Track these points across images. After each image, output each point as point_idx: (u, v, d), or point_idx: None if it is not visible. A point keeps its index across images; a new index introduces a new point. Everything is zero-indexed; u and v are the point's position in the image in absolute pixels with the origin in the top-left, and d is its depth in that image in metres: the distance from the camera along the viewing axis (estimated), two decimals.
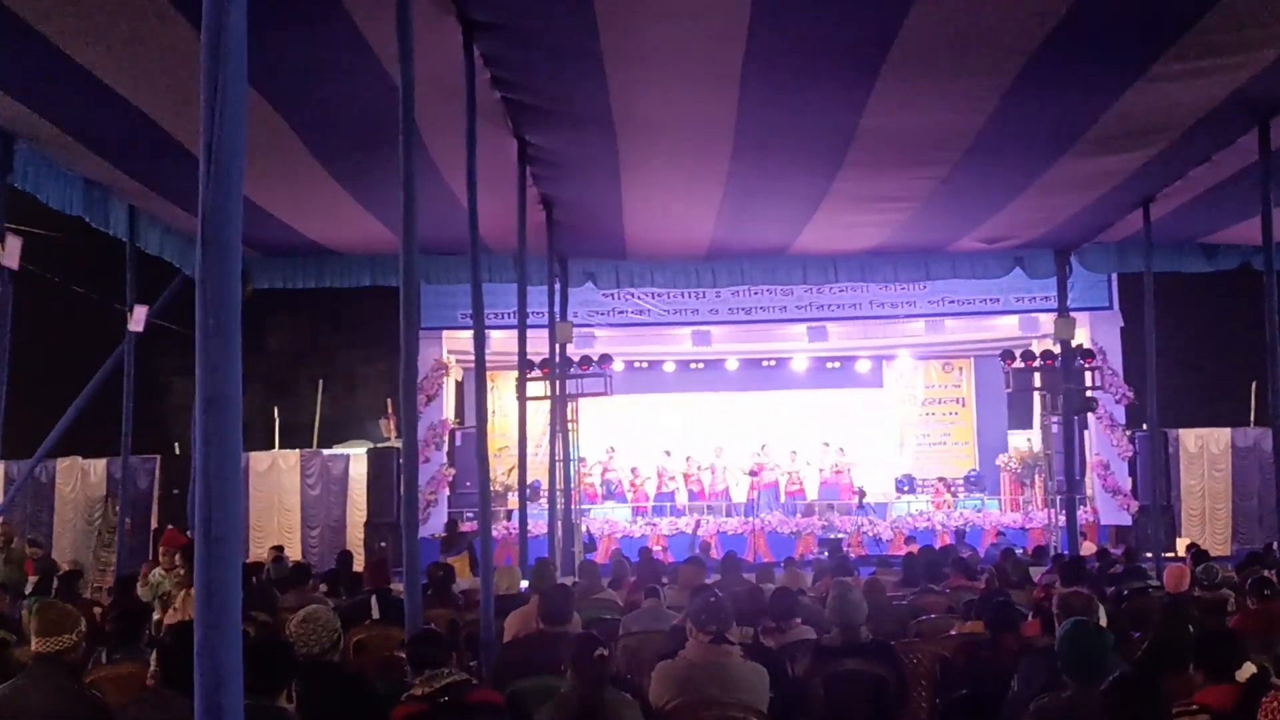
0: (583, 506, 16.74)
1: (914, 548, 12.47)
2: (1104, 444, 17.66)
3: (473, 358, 8.20)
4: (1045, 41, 7.97)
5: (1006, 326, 18.43)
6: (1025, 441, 19.87)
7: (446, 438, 18.26)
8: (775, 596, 6.80)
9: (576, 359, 14.79)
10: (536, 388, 13.64)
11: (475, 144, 7.87)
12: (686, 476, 19.57)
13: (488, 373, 8.53)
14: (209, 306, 2.64)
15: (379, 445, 18.31)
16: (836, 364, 20.98)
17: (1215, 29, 7.87)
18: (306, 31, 7.69)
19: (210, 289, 2.65)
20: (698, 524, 17.76)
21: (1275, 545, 12.39)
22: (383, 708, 4.45)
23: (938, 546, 14.11)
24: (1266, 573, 7.65)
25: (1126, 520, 17.26)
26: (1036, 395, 17.35)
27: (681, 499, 19.29)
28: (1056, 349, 15.31)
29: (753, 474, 19.26)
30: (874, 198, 12.45)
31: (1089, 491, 17.66)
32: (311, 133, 9.80)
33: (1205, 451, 18.63)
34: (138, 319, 12.28)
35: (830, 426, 20.67)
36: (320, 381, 22.17)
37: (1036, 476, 18.61)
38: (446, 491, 18.11)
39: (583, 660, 4.41)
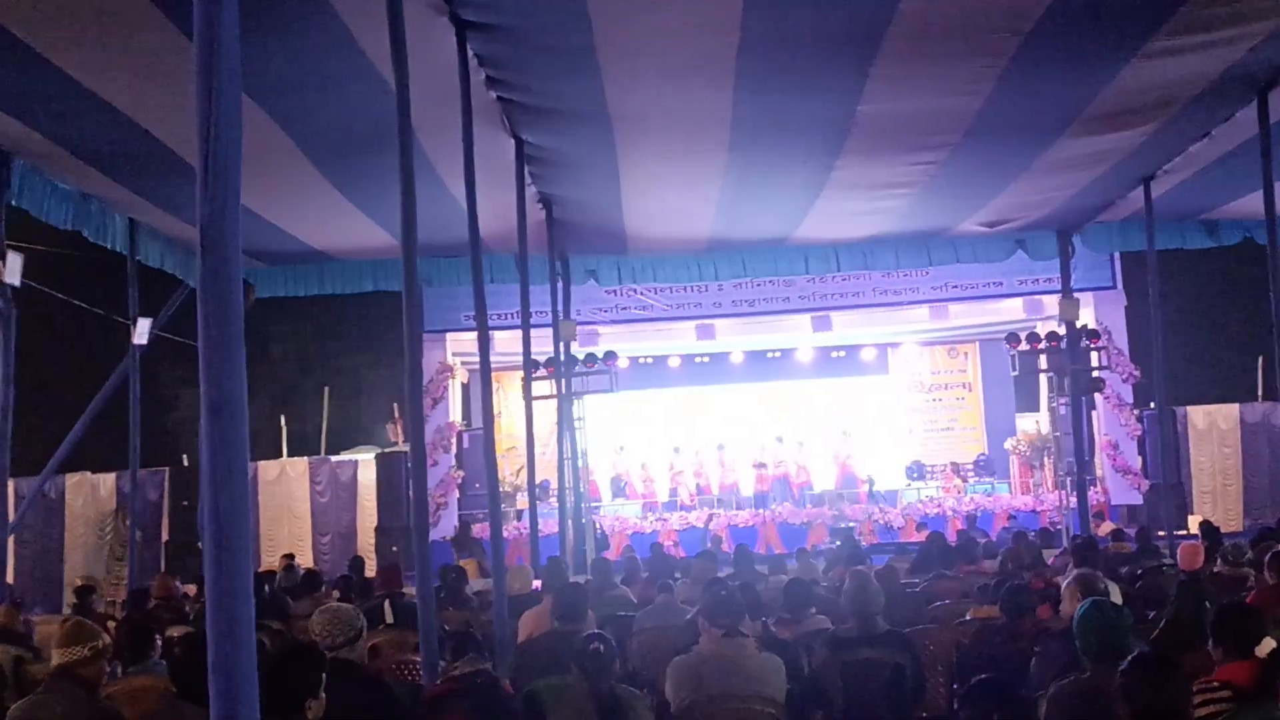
0: (591, 504, 16.73)
1: (926, 534, 12.46)
2: (1112, 424, 17.62)
3: (477, 359, 8.19)
4: (1040, 20, 7.94)
5: (1011, 309, 18.39)
6: (1033, 424, 19.84)
7: (454, 440, 18.26)
8: (790, 587, 6.79)
9: (581, 357, 14.77)
10: (542, 387, 13.62)
11: (472, 144, 7.86)
12: (696, 472, 19.60)
13: (493, 373, 8.53)
14: (210, 315, 2.63)
15: (387, 450, 18.31)
16: (841, 353, 20.96)
17: (1210, 2, 7.83)
18: (299, 37, 7.67)
19: (211, 297, 2.64)
20: (709, 518, 17.75)
21: None
22: (398, 705, 4.49)
23: (949, 532, 14.11)
24: None
25: (1138, 499, 17.22)
26: (1043, 377, 17.33)
27: (684, 493, 19.29)
28: (1061, 330, 15.26)
29: (758, 467, 19.26)
30: (874, 184, 12.42)
31: (1099, 472, 17.61)
32: (308, 139, 9.79)
33: (1214, 428, 18.58)
34: (141, 332, 12.29)
35: (837, 416, 20.67)
36: (326, 388, 22.17)
37: (1046, 459, 18.58)
38: (456, 494, 18.11)
39: (582, 656, 4.51)
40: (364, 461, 18.83)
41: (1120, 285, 17.74)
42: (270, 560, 16.16)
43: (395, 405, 19.14)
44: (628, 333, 18.47)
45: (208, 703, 2.51)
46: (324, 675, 3.63)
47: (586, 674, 4.50)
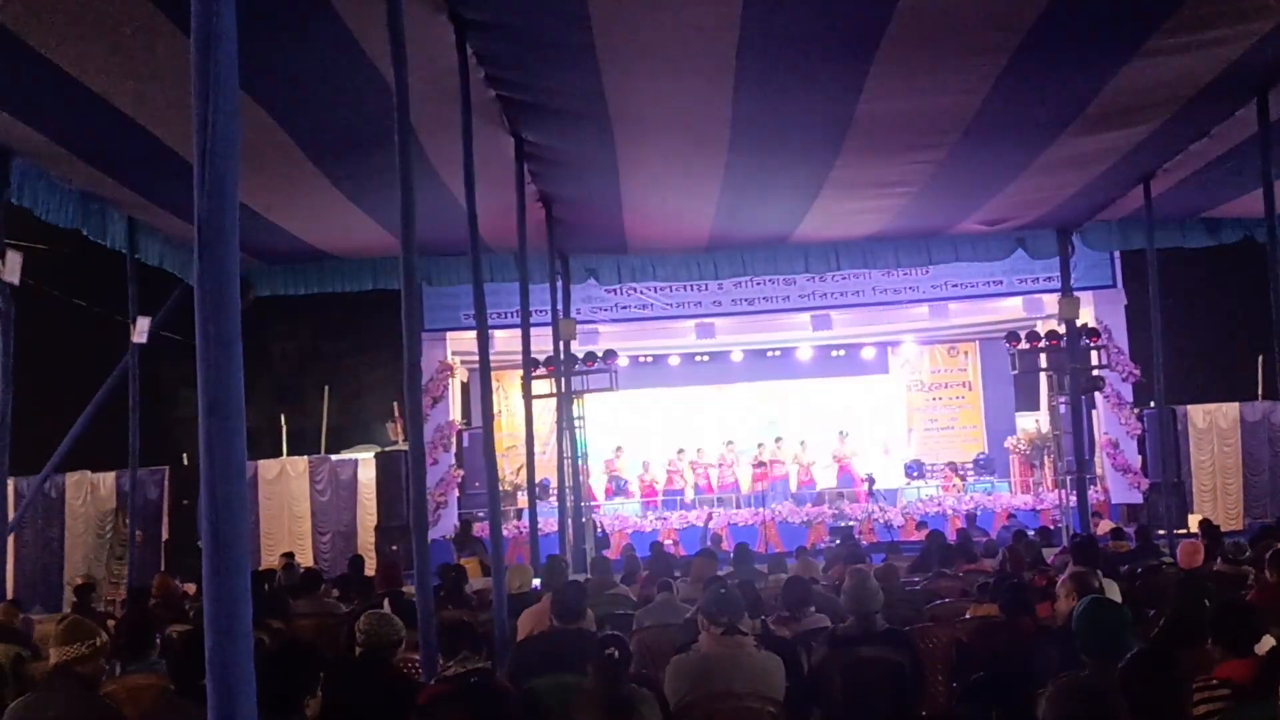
0: (591, 504, 16.73)
1: (925, 533, 12.46)
2: (1112, 423, 17.61)
3: (477, 358, 8.18)
4: (1040, 19, 7.93)
5: (1010, 308, 18.40)
6: (1033, 423, 19.85)
7: (454, 439, 18.26)
8: (789, 586, 6.79)
9: (581, 355, 14.78)
10: (542, 386, 13.62)
11: (472, 143, 7.85)
12: (694, 466, 19.60)
13: (493, 372, 8.52)
14: (208, 312, 2.63)
15: (387, 449, 18.32)
16: (841, 352, 20.96)
17: (1210, 1, 7.83)
18: (298, 35, 7.67)
19: (209, 295, 2.64)
20: (709, 517, 17.76)
21: None
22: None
23: (949, 531, 14.11)
24: None
25: (1138, 498, 17.21)
26: (1043, 376, 17.32)
27: (690, 494, 19.31)
28: (1061, 329, 15.27)
29: (757, 466, 19.25)
30: (873, 183, 12.41)
31: (1099, 471, 17.60)
32: (307, 137, 9.78)
33: (1214, 427, 18.59)
34: (141, 330, 12.29)
35: (837, 415, 20.68)
36: (326, 387, 22.20)
37: (1046, 458, 18.59)
38: (456, 493, 18.12)
39: (596, 660, 4.51)
40: (364, 460, 18.85)
41: (1120, 284, 17.73)
42: (270, 559, 16.17)
43: (395, 404, 19.16)
44: (627, 331, 18.48)
45: (206, 700, 2.51)
46: (321, 674, 3.65)
47: (602, 678, 4.50)
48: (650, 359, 20.65)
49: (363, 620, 4.97)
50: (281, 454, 20.35)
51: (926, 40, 8.31)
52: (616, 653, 4.47)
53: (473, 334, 10.63)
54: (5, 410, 9.79)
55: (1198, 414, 18.64)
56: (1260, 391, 19.27)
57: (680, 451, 19.77)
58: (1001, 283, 17.83)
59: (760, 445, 19.65)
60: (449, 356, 18.25)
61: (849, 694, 5.46)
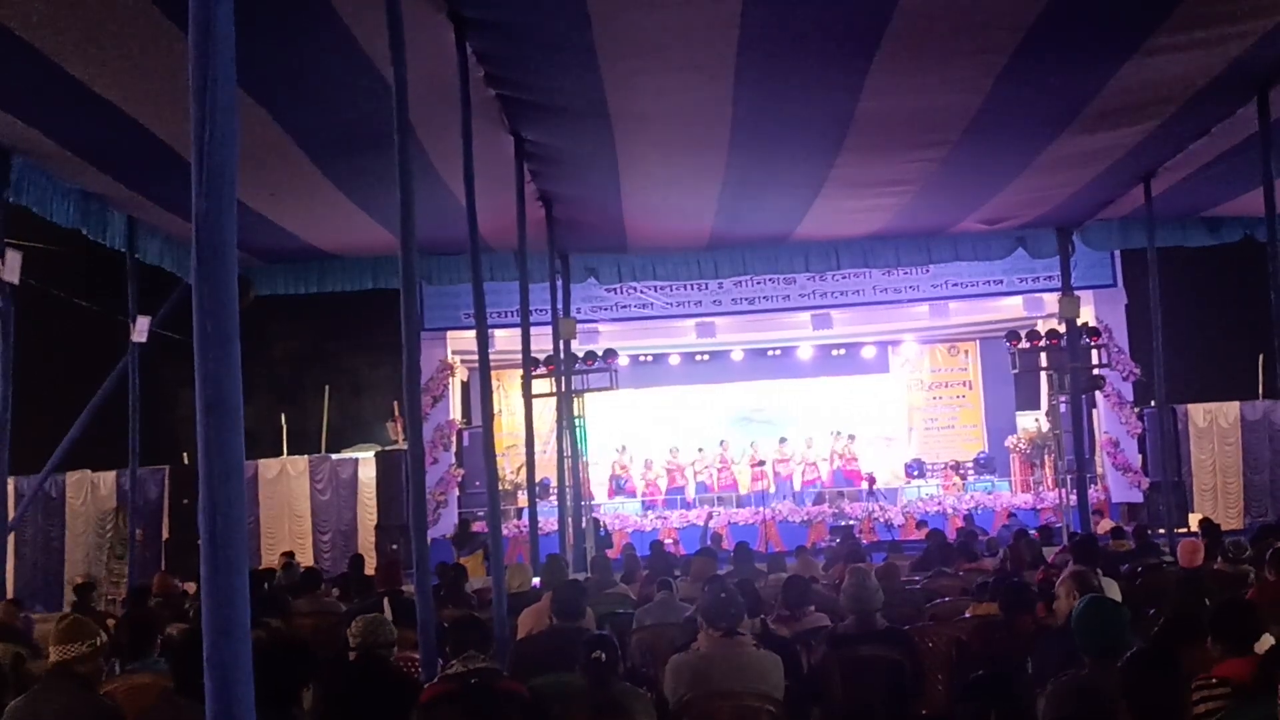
0: (593, 503, 16.73)
1: (926, 532, 12.45)
2: (1113, 422, 17.62)
3: (477, 357, 8.18)
4: (1040, 17, 7.93)
5: (1011, 307, 18.40)
6: (1034, 422, 19.84)
7: (454, 438, 18.26)
8: (788, 585, 6.79)
9: (581, 355, 14.77)
10: (542, 385, 13.62)
11: (471, 142, 7.84)
12: (695, 463, 19.61)
13: (493, 372, 8.52)
14: (206, 311, 2.62)
15: (387, 448, 18.32)
16: (842, 351, 20.96)
17: (1210, 1, 7.83)
18: (298, 34, 7.67)
19: (206, 294, 2.64)
20: (709, 516, 17.76)
21: None
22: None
23: (950, 530, 14.12)
24: None
25: (1138, 497, 17.22)
26: (1043, 375, 17.32)
27: (690, 492, 19.31)
28: (1062, 328, 15.27)
29: (755, 465, 19.25)
30: (874, 182, 12.41)
31: (1099, 470, 17.61)
32: (306, 136, 9.78)
33: (1214, 426, 18.58)
34: (140, 330, 12.29)
35: (838, 414, 20.68)
36: (326, 386, 22.17)
37: (1046, 457, 18.58)
38: (456, 492, 18.12)
39: (585, 662, 4.56)
40: (364, 459, 18.84)
41: (1120, 283, 17.74)
42: (270, 558, 16.17)
43: (395, 403, 19.13)
44: (628, 330, 18.47)
45: (205, 699, 2.51)
46: (315, 667, 3.68)
47: (590, 680, 4.53)
48: (650, 358, 20.64)
49: (354, 625, 5.05)
50: (282, 453, 20.32)
51: (927, 39, 8.31)
52: (604, 655, 4.49)
53: (473, 333, 10.61)
54: (5, 410, 9.80)
55: (1198, 413, 18.63)
56: (1261, 390, 19.24)
57: (673, 450, 19.75)
58: (1002, 282, 17.83)
59: (753, 444, 19.64)
60: (449, 356, 18.25)
61: (848, 693, 5.46)
